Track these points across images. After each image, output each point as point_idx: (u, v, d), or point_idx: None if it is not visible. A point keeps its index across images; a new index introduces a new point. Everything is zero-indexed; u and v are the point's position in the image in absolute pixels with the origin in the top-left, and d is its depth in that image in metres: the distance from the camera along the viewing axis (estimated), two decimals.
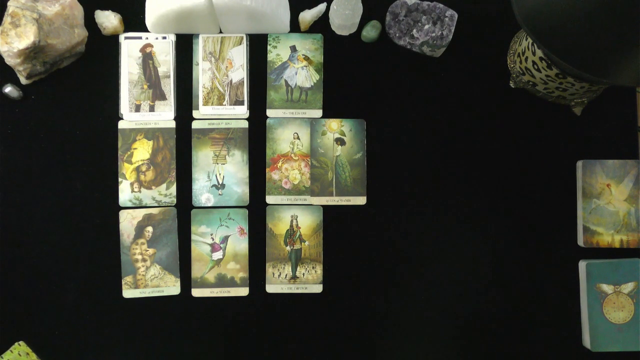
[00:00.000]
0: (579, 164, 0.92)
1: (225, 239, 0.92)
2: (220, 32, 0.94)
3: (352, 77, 0.94)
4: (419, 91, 0.94)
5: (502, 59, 0.94)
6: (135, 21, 0.93)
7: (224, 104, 0.93)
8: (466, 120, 0.94)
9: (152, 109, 0.93)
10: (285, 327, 0.91)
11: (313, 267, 0.92)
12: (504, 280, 0.92)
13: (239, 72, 0.93)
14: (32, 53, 0.85)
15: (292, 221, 0.92)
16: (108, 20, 0.92)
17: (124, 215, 0.91)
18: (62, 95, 0.92)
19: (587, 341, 0.90)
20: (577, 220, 0.93)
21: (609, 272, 0.90)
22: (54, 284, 0.90)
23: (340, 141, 0.93)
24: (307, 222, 0.92)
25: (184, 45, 0.94)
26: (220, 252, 0.91)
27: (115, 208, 0.91)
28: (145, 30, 0.93)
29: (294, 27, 0.95)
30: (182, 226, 0.92)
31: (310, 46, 0.94)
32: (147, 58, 0.93)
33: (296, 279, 0.92)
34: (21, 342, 0.86)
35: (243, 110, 0.93)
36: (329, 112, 0.94)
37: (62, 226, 0.90)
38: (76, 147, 0.92)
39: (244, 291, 0.92)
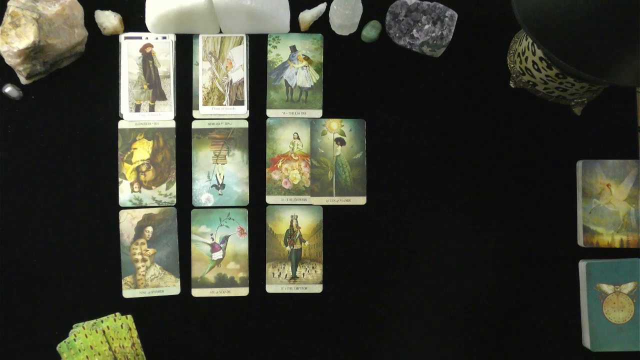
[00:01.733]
0: (579, 164, 0.92)
1: (225, 239, 0.92)
2: (220, 32, 0.94)
3: (352, 77, 0.94)
4: (419, 91, 0.94)
5: (502, 59, 0.94)
6: (135, 21, 0.93)
7: (224, 104, 0.93)
8: (466, 120, 0.94)
9: (152, 109, 0.93)
10: (285, 327, 0.91)
11: (313, 267, 0.92)
12: (503, 280, 0.92)
13: (239, 72, 0.93)
14: (32, 53, 0.85)
15: (292, 221, 0.92)
16: (108, 20, 0.92)
17: (124, 215, 0.91)
18: (62, 95, 0.92)
19: (587, 341, 0.90)
20: (577, 220, 0.93)
21: (609, 272, 0.90)
22: (54, 284, 0.90)
23: (340, 141, 0.93)
24: (307, 222, 0.92)
25: (184, 45, 0.94)
26: (220, 252, 0.91)
27: (115, 208, 0.91)
28: (145, 30, 0.93)
29: (294, 27, 0.95)
30: (182, 226, 0.92)
31: (310, 46, 0.94)
32: (147, 58, 0.93)
33: (296, 279, 0.92)
34: (129, 316, 0.84)
35: (243, 110, 0.93)
36: (329, 112, 0.94)
37: (62, 226, 0.90)
38: (76, 147, 0.92)
39: (244, 291, 0.92)
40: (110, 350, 0.80)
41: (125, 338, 0.82)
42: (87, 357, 0.78)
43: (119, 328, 0.82)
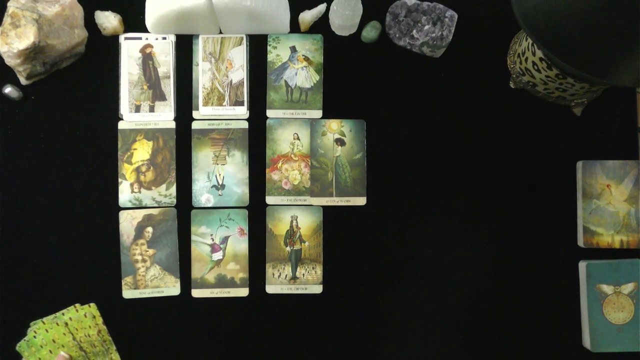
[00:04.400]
0: (579, 164, 0.92)
1: (225, 240, 0.92)
2: (220, 32, 0.94)
3: (352, 77, 0.94)
4: (419, 91, 0.94)
5: (502, 59, 0.94)
6: (135, 22, 0.93)
7: (223, 104, 0.93)
8: (466, 120, 0.94)
9: (152, 109, 0.93)
10: (285, 327, 0.91)
11: (313, 268, 0.92)
12: (504, 280, 0.92)
13: (239, 72, 0.93)
14: (32, 54, 0.85)
15: (292, 222, 0.92)
16: (108, 20, 0.92)
17: (124, 216, 0.91)
18: (62, 95, 0.92)
19: (587, 342, 0.90)
20: (577, 220, 0.92)
21: (609, 272, 0.90)
22: (54, 284, 0.90)
23: (340, 142, 0.93)
24: (307, 222, 0.92)
25: (184, 46, 0.94)
26: (220, 253, 0.91)
27: (115, 208, 0.91)
28: (145, 30, 0.93)
29: (294, 27, 0.95)
30: (182, 227, 0.92)
31: (310, 47, 0.94)
32: (147, 58, 0.93)
33: (296, 279, 0.92)
34: (92, 304, 0.84)
35: (243, 111, 0.93)
36: (329, 112, 0.94)
37: (62, 226, 0.91)
38: (76, 148, 0.92)
39: (244, 292, 0.92)
40: (75, 340, 0.80)
41: (90, 327, 0.82)
42: (50, 351, 0.78)
43: (82, 318, 0.82)
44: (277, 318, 0.91)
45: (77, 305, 0.84)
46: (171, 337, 0.90)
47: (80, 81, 0.93)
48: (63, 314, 0.82)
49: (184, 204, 0.92)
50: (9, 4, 0.85)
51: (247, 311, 0.91)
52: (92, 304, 0.84)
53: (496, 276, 0.92)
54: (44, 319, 0.81)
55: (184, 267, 0.91)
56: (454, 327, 0.92)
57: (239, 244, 0.92)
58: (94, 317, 0.83)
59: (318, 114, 0.94)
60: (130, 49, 0.93)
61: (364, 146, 0.93)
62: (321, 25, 0.94)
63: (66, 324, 0.80)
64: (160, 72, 0.93)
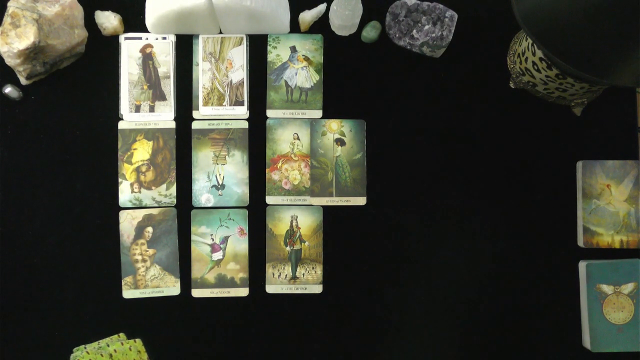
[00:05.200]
0: (579, 164, 0.92)
1: (225, 240, 0.92)
2: (220, 32, 0.94)
3: (352, 77, 0.94)
4: (419, 91, 0.94)
5: (502, 59, 0.94)
6: (135, 22, 0.93)
7: (224, 104, 0.93)
8: (466, 120, 0.94)
9: (152, 109, 0.93)
10: (285, 327, 0.91)
11: (313, 268, 0.92)
12: (504, 280, 0.92)
13: (239, 72, 0.93)
14: (32, 53, 0.85)
15: (292, 221, 0.92)
16: (108, 20, 0.92)
17: (124, 216, 0.91)
18: (62, 95, 0.92)
19: (587, 342, 0.90)
20: (577, 220, 0.92)
21: (609, 272, 0.90)
22: (54, 284, 0.90)
23: (340, 142, 0.93)
24: (307, 222, 0.92)
25: (184, 46, 0.94)
26: (220, 253, 0.91)
27: (115, 208, 0.91)
28: (145, 30, 0.93)
29: (294, 27, 0.95)
30: (182, 227, 0.92)
31: (310, 47, 0.94)
32: (147, 58, 0.93)
33: (296, 279, 0.92)
34: (138, 340, 0.84)
35: (243, 111, 0.93)
36: (329, 112, 0.94)
37: (62, 226, 0.90)
38: (76, 147, 0.92)
39: (244, 291, 0.92)
40: None
41: None
42: None
43: (127, 351, 0.81)
44: (277, 318, 0.91)
45: (122, 336, 0.83)
46: (171, 337, 0.90)
47: (80, 81, 0.93)
48: (108, 344, 0.81)
49: (184, 204, 0.92)
50: (9, 4, 0.85)
51: (247, 311, 0.91)
52: (137, 340, 0.83)
53: (496, 276, 0.92)
54: (88, 348, 0.81)
55: (184, 267, 0.91)
56: (453, 327, 0.92)
57: (239, 244, 0.92)
58: (139, 351, 0.83)
59: (318, 114, 0.94)
60: (130, 49, 0.93)
61: (364, 146, 0.93)
62: (321, 25, 0.94)
63: (110, 355, 0.80)
64: (160, 72, 0.93)
